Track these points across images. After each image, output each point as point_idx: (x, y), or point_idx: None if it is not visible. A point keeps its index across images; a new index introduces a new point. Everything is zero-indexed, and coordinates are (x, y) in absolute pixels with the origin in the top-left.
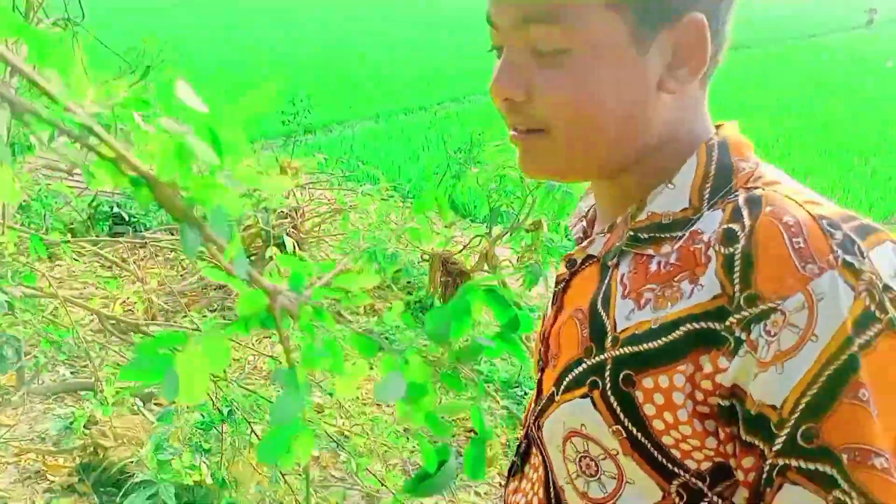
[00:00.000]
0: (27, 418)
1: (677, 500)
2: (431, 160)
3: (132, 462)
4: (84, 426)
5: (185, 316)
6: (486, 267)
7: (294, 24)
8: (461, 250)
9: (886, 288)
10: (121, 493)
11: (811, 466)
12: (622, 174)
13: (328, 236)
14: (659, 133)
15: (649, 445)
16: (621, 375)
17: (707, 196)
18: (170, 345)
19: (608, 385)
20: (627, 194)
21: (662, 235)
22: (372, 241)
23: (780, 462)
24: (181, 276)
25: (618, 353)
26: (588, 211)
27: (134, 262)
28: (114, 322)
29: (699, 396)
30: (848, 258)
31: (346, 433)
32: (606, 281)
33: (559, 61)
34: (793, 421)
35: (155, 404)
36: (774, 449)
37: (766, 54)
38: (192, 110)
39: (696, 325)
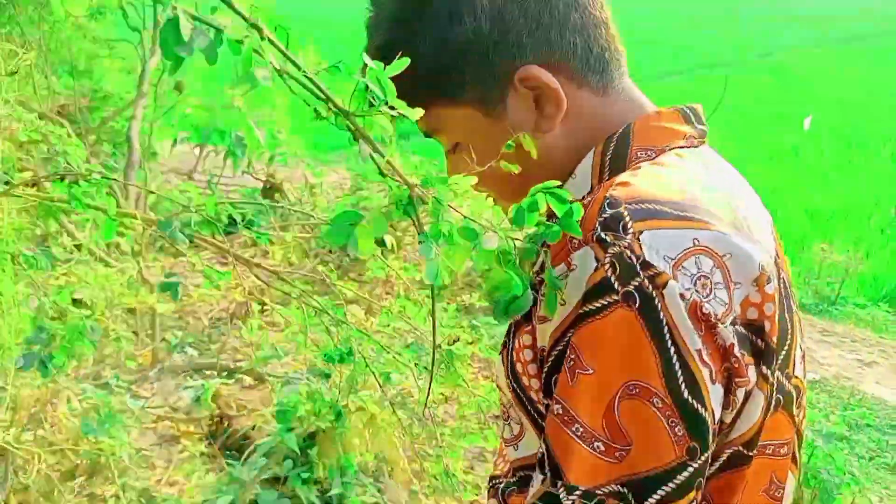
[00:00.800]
0: (162, 392)
1: None
2: None
3: (253, 429)
4: (211, 398)
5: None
6: None
7: None
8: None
9: (645, 265)
10: (244, 456)
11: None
12: None
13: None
14: (567, 153)
15: (524, 399)
16: (511, 336)
17: (605, 180)
18: (351, 220)
19: (508, 344)
20: None
21: None
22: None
23: (546, 401)
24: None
25: (515, 318)
26: None
27: (248, 258)
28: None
29: (537, 349)
30: (603, 234)
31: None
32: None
33: (459, 150)
34: (547, 369)
35: (270, 383)
36: (542, 390)
37: None
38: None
39: (531, 293)
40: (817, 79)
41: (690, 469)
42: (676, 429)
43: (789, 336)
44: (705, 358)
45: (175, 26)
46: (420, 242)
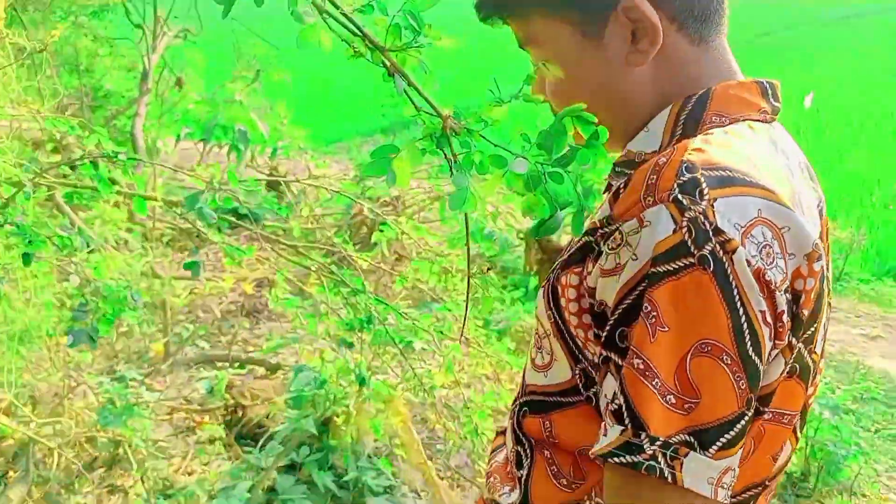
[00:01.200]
0: (175, 384)
1: (579, 382)
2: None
3: (267, 417)
4: (224, 389)
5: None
6: None
7: None
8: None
9: (717, 231)
10: (259, 444)
11: (621, 363)
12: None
13: (427, 222)
14: (648, 95)
15: (565, 332)
16: (557, 273)
17: (675, 140)
18: (388, 153)
19: (552, 279)
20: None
21: (629, 171)
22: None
23: (605, 353)
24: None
25: (562, 257)
26: None
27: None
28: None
29: (583, 292)
30: (680, 196)
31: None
32: None
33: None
34: (613, 321)
35: (282, 372)
36: (602, 341)
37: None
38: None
39: (588, 238)
40: (816, 57)
41: (746, 418)
42: (741, 383)
43: (819, 315)
44: (767, 319)
45: None
46: (452, 173)
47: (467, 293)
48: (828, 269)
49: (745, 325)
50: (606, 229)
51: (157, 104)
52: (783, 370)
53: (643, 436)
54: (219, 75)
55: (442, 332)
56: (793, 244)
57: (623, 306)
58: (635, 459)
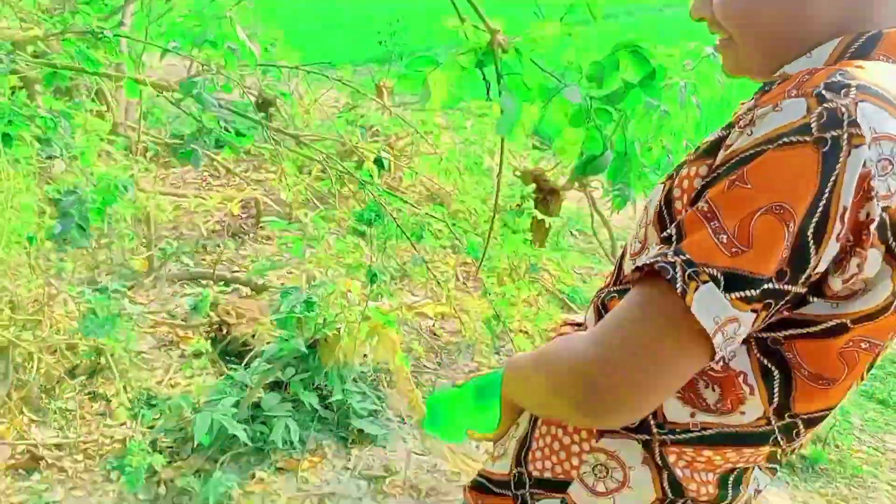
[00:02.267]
0: (158, 299)
1: None
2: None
3: (253, 336)
4: (209, 307)
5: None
6: (576, 185)
7: None
8: (553, 168)
9: (854, 123)
10: (243, 363)
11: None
12: None
13: (421, 154)
14: (821, 23)
15: (667, 219)
16: (682, 166)
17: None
18: (424, 65)
19: (674, 175)
20: None
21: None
22: (467, 157)
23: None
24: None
25: (694, 152)
26: None
27: (241, 173)
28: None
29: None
30: (824, 92)
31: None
32: None
33: None
34: (704, 183)
35: (268, 294)
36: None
37: None
38: None
39: (723, 132)
40: None
41: (768, 286)
42: (785, 252)
43: None
44: (845, 217)
45: None
46: (489, 94)
47: (491, 223)
48: None
49: (821, 209)
50: (746, 116)
51: (142, 14)
52: (889, 295)
53: (672, 246)
54: None
55: (456, 225)
56: None
57: (720, 170)
58: (654, 259)
